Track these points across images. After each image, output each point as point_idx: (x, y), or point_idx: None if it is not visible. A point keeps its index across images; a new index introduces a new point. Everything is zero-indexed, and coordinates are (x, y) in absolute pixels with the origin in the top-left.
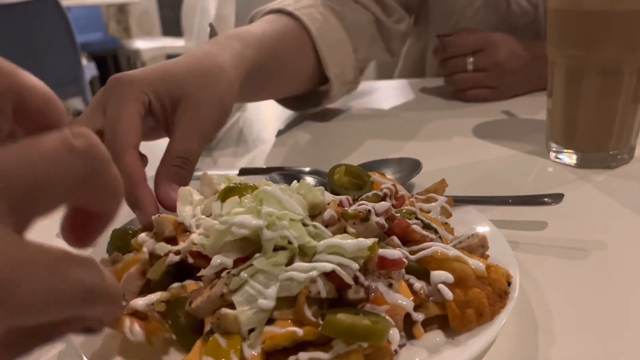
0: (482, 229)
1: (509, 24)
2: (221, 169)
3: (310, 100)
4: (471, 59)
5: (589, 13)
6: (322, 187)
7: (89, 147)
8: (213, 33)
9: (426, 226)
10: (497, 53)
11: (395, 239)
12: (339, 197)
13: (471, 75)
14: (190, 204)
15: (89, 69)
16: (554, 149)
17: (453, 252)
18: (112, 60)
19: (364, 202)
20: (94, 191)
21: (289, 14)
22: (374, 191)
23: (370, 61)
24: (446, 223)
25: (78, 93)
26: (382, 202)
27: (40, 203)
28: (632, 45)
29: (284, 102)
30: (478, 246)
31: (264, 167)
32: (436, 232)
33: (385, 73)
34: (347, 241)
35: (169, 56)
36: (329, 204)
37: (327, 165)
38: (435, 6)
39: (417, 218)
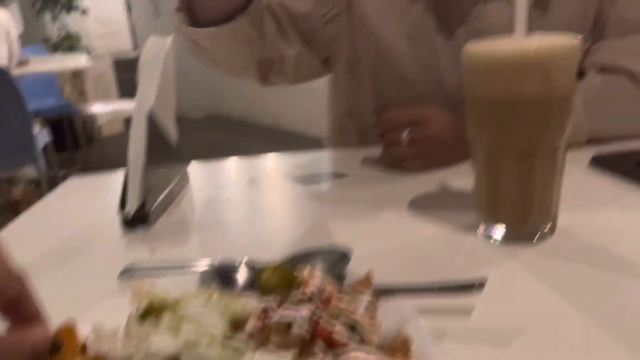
0: (408, 322)
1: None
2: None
3: None
4: (406, 133)
5: (496, 101)
6: (245, 298)
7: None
8: (153, 122)
9: (352, 327)
10: (430, 126)
11: (319, 344)
12: (264, 304)
13: (407, 148)
14: (105, 339)
15: (43, 136)
16: (482, 224)
17: (373, 357)
18: (67, 124)
19: (288, 307)
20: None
21: None
22: (300, 293)
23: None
24: (373, 318)
25: (31, 161)
26: (306, 308)
27: None
28: (540, 131)
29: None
30: (401, 344)
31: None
32: (361, 333)
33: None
34: (265, 357)
35: (126, 120)
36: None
37: (265, 253)
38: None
39: (343, 318)
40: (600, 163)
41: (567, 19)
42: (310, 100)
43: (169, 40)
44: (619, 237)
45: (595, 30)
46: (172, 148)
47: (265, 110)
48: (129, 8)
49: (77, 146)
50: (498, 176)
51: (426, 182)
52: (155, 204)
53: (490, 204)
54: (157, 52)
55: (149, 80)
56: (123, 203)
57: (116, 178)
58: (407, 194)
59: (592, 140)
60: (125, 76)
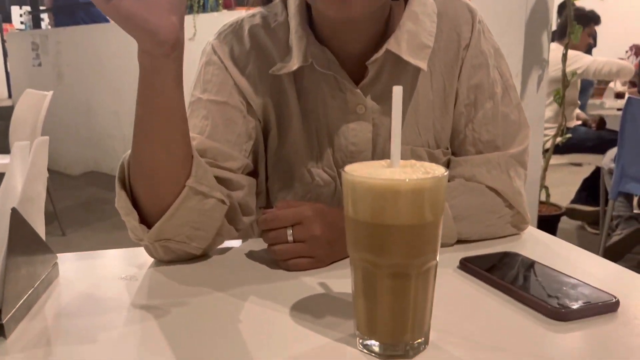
0: None
1: (316, 194)
2: None
3: None
4: (290, 231)
5: (371, 225)
6: None
7: None
8: (16, 220)
9: None
10: (313, 227)
11: None
12: None
13: (291, 246)
14: None
15: None
16: (359, 337)
17: None
18: None
19: None
20: None
21: None
22: None
23: None
24: None
25: None
26: None
27: None
28: (414, 253)
29: None
30: None
31: None
32: None
33: None
34: None
35: None
36: None
37: None
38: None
39: None
40: (468, 266)
41: (428, 130)
42: None
43: (48, 96)
44: (485, 349)
45: (457, 143)
46: (39, 244)
47: None
48: (5, 54)
49: None
50: (374, 295)
51: (309, 282)
52: (13, 311)
53: (367, 320)
54: (26, 149)
55: (15, 176)
56: None
57: None
58: (289, 297)
59: (460, 242)
60: None
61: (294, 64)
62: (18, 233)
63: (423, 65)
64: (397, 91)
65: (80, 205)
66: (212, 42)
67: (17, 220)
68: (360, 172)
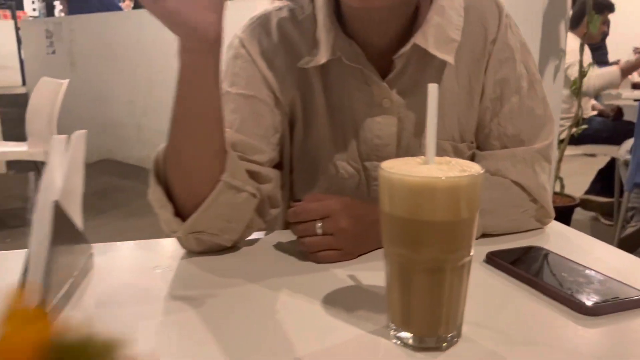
0: None
1: (340, 187)
2: None
3: None
4: (320, 224)
5: (408, 220)
6: None
7: None
8: (57, 212)
9: None
10: (341, 220)
11: None
12: None
13: (321, 239)
14: None
15: None
16: (393, 329)
17: None
18: None
19: None
20: None
21: None
22: None
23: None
24: None
25: None
26: None
27: None
28: (449, 248)
29: None
30: None
31: None
32: None
33: None
34: None
35: (8, 162)
36: None
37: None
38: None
39: None
40: (495, 260)
41: (453, 124)
42: None
43: (64, 84)
44: (516, 342)
45: (482, 137)
46: (77, 235)
47: None
48: (19, 41)
49: None
50: (409, 289)
51: (337, 276)
52: (55, 302)
53: (401, 313)
54: (63, 143)
55: (55, 169)
56: None
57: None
58: (320, 289)
59: (483, 235)
60: (11, 111)
61: (322, 57)
62: (59, 225)
63: (450, 59)
64: (433, 89)
65: (95, 193)
66: (240, 36)
67: (59, 213)
68: (398, 169)
